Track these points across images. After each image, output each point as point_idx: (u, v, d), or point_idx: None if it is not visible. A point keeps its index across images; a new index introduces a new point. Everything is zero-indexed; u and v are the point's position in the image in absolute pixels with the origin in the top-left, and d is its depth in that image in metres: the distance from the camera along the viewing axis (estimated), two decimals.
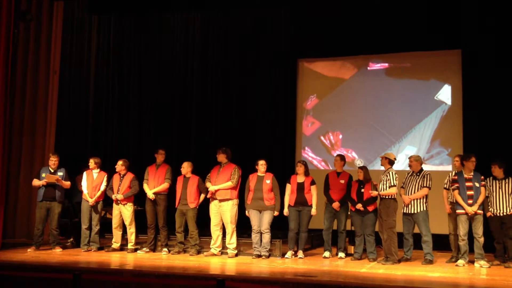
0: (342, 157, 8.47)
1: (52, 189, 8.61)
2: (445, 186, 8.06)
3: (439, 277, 6.52)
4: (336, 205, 8.13)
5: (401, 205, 7.82)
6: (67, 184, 8.70)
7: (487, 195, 7.63)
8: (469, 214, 7.39)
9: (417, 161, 7.89)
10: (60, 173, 8.70)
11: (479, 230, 7.38)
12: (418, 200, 7.69)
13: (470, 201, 7.44)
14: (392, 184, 7.61)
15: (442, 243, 8.24)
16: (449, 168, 9.73)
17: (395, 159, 8.04)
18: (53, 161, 8.71)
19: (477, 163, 7.59)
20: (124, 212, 8.48)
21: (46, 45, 10.45)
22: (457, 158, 8.00)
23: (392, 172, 7.72)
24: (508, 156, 8.14)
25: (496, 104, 9.37)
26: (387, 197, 7.65)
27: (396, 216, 7.74)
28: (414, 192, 7.71)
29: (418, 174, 7.81)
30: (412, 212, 7.71)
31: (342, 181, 8.23)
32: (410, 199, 7.70)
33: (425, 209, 7.69)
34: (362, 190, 7.93)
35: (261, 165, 8.13)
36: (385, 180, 7.69)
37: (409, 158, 8.06)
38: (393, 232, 7.60)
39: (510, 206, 7.50)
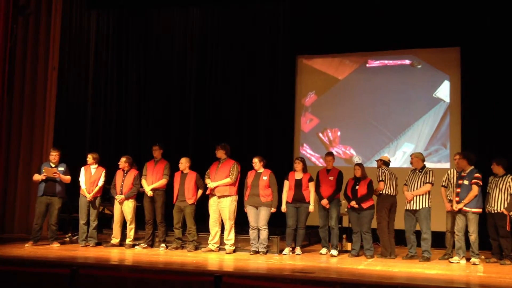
0: (328, 154, 8.43)
1: (53, 184, 8.56)
2: (443, 183, 8.08)
3: (436, 274, 6.53)
4: (324, 202, 8.08)
5: (404, 202, 7.87)
6: (66, 178, 8.66)
7: (488, 191, 7.67)
8: (454, 211, 7.54)
9: (418, 158, 7.93)
10: (60, 168, 8.66)
11: (471, 228, 7.44)
12: (421, 197, 7.72)
13: (457, 198, 7.51)
14: (380, 179, 7.83)
15: (440, 241, 8.25)
16: (447, 165, 9.73)
17: (389, 160, 8.20)
18: (53, 155, 8.66)
19: (476, 160, 7.64)
20: (125, 208, 8.49)
21: (45, 40, 10.44)
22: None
23: (380, 169, 7.92)
24: (508, 153, 8.16)
25: (494, 101, 9.37)
26: (380, 193, 7.86)
27: (396, 213, 7.88)
28: (417, 189, 7.75)
29: (420, 171, 7.85)
30: (415, 208, 7.73)
31: (331, 178, 8.16)
32: (413, 195, 7.73)
33: (427, 205, 7.71)
34: (357, 187, 7.94)
35: (254, 163, 8.13)
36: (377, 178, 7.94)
37: (410, 155, 8.15)
38: (381, 228, 7.74)
39: (503, 204, 7.53)
